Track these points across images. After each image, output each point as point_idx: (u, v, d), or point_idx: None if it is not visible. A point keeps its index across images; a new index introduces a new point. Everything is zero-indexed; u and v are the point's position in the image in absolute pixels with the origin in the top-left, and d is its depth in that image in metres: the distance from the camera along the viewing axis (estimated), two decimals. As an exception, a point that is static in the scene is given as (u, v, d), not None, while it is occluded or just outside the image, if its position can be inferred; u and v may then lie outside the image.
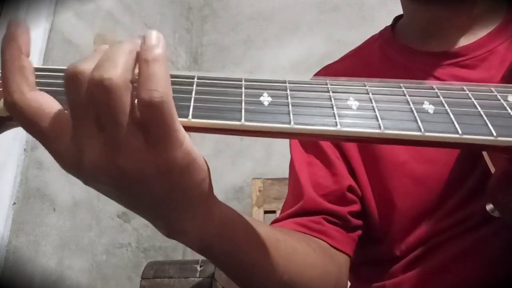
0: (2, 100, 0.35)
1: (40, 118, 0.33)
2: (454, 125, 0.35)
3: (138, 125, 0.33)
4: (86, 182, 0.36)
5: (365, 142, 0.43)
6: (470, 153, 0.61)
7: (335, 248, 0.63)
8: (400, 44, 0.75)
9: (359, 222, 0.67)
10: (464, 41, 0.69)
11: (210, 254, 0.45)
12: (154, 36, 0.34)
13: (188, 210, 0.39)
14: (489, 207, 0.51)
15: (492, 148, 0.37)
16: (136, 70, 0.33)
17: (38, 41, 1.50)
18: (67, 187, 1.49)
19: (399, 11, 0.79)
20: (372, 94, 0.37)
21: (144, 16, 2.03)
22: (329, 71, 0.78)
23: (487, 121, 0.36)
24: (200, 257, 1.73)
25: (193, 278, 1.49)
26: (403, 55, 0.72)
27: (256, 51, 2.24)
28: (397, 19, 0.80)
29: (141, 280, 1.53)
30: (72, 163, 0.34)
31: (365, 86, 0.38)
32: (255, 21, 2.31)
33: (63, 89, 0.34)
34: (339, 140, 0.33)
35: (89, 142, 0.33)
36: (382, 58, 0.74)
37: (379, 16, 2.00)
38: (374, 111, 0.35)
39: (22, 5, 1.55)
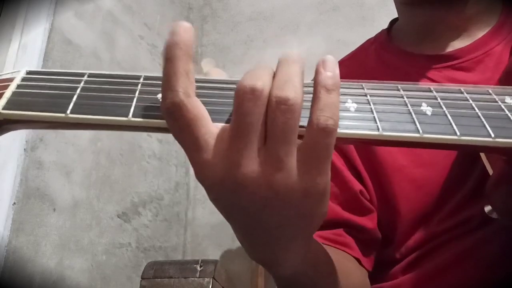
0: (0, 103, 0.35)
1: (199, 124, 0.33)
2: (452, 127, 0.35)
3: (300, 148, 0.34)
4: (218, 196, 0.35)
5: (363, 144, 0.43)
6: (468, 156, 0.61)
7: (358, 260, 0.64)
8: (395, 47, 0.75)
9: (378, 235, 0.67)
10: (459, 43, 0.69)
11: (295, 281, 0.46)
12: (331, 65, 0.35)
13: (301, 239, 0.39)
14: (488, 209, 0.51)
15: (490, 150, 0.37)
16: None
17: (38, 41, 1.50)
18: (67, 187, 1.49)
19: (399, 12, 0.79)
20: (370, 96, 0.37)
21: (144, 16, 2.03)
22: None
23: (485, 122, 0.36)
24: (200, 257, 1.74)
25: (193, 278, 1.49)
26: (398, 58, 0.72)
27: (256, 51, 2.24)
28: (393, 22, 0.80)
29: (141, 280, 1.53)
30: (215, 176, 0.34)
31: (362, 88, 0.38)
32: (255, 21, 2.31)
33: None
34: (337, 142, 0.33)
35: (248, 156, 0.33)
36: (378, 61, 0.75)
37: (379, 16, 2.00)
38: (372, 113, 0.35)
39: (22, 5, 1.55)
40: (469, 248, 0.60)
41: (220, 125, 0.34)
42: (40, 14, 1.55)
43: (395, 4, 0.76)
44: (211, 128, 0.33)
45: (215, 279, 1.52)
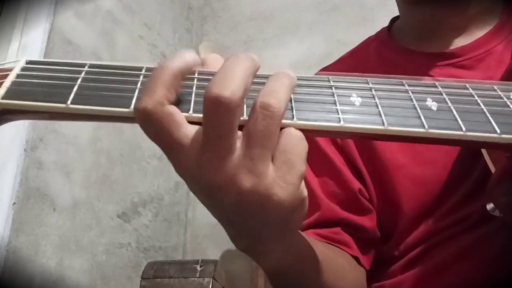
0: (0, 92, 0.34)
1: (171, 128, 0.33)
2: (458, 122, 0.35)
3: (274, 156, 0.34)
4: (194, 192, 0.36)
5: (369, 139, 0.43)
6: (468, 154, 0.61)
7: (356, 258, 0.64)
8: (396, 45, 0.75)
9: (377, 234, 0.68)
10: (461, 42, 0.70)
11: (280, 274, 0.47)
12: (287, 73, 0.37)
13: (284, 234, 0.40)
14: (490, 206, 0.51)
15: (495, 146, 0.37)
16: None
17: (38, 41, 1.50)
18: (67, 187, 1.49)
19: (399, 11, 0.79)
20: (375, 90, 0.37)
21: (144, 16, 2.03)
22: (326, 73, 0.78)
23: (490, 118, 0.36)
24: (200, 257, 1.74)
25: (193, 278, 1.49)
26: (400, 56, 0.72)
27: (256, 51, 2.23)
28: (394, 20, 0.80)
29: (141, 280, 1.53)
30: (190, 174, 0.34)
31: (367, 82, 0.38)
32: (255, 21, 2.31)
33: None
34: (342, 136, 0.33)
35: (217, 163, 0.33)
36: (379, 59, 0.74)
37: (379, 16, 2.00)
38: (377, 108, 0.35)
39: (22, 5, 1.55)
40: (469, 246, 0.60)
41: (197, 127, 0.34)
42: (40, 14, 1.55)
43: (397, 3, 0.76)
44: (186, 131, 0.34)
45: (215, 279, 1.51)
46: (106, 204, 1.63)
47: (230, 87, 0.32)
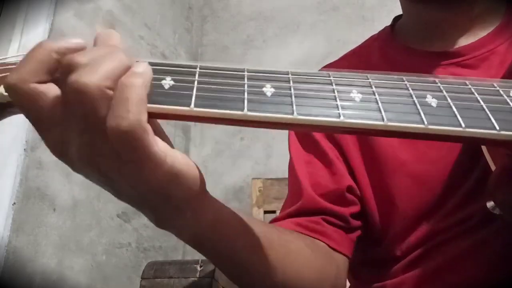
0: (1, 86, 0.35)
1: (38, 106, 0.33)
2: (457, 119, 0.35)
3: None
4: (74, 170, 0.36)
5: (368, 134, 0.43)
6: (470, 153, 0.61)
7: (333, 249, 0.63)
8: (399, 44, 0.75)
9: (358, 223, 0.67)
10: (464, 41, 0.70)
11: (202, 249, 0.45)
12: (142, 66, 0.33)
13: (175, 210, 0.38)
14: (490, 204, 0.51)
15: (494, 142, 0.37)
16: None
17: (38, 41, 1.50)
18: (67, 187, 1.49)
19: (399, 11, 0.79)
20: (375, 87, 0.37)
21: (144, 16, 2.03)
22: (329, 69, 0.78)
23: (489, 115, 0.36)
24: (200, 257, 1.73)
25: (193, 278, 1.49)
26: (402, 55, 0.73)
27: (256, 51, 2.24)
28: (397, 19, 0.80)
29: (141, 280, 1.52)
30: (59, 153, 0.35)
31: (368, 78, 0.38)
32: (255, 21, 2.31)
33: None
34: (342, 132, 0.33)
35: (74, 137, 0.33)
36: (382, 58, 0.75)
37: (379, 16, 2.00)
38: (377, 103, 0.35)
39: (22, 5, 1.55)
40: (470, 247, 0.60)
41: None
42: (40, 14, 1.55)
43: (400, 1, 0.76)
44: (53, 110, 0.33)
45: (215, 279, 1.51)
46: (106, 204, 1.63)
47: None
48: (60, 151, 0.35)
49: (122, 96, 0.31)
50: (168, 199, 0.36)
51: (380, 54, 0.75)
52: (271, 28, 2.27)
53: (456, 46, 0.70)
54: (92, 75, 0.31)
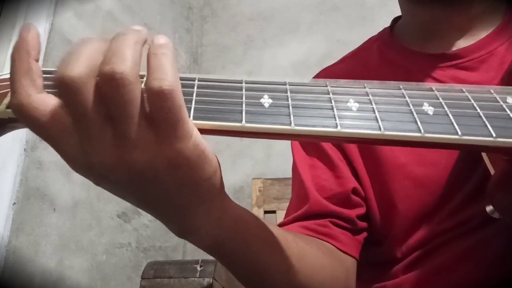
0: (4, 102, 0.35)
1: (46, 120, 0.33)
2: (454, 126, 0.35)
3: (148, 119, 0.33)
4: (97, 182, 0.36)
5: (365, 143, 0.43)
6: (470, 156, 0.61)
7: (342, 251, 0.64)
8: (399, 45, 0.75)
9: (364, 224, 0.67)
10: (463, 43, 0.70)
11: (223, 253, 0.45)
12: (162, 38, 0.35)
13: (200, 204, 0.38)
14: (489, 208, 0.51)
15: (492, 149, 0.37)
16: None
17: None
18: (67, 187, 1.49)
19: (399, 11, 0.79)
20: (372, 95, 0.37)
21: (144, 16, 2.03)
22: (328, 73, 0.78)
23: (486, 122, 0.36)
24: (200, 257, 1.73)
25: (193, 278, 1.49)
26: (402, 56, 0.73)
27: (256, 51, 2.24)
28: (396, 20, 0.80)
29: (141, 280, 1.52)
30: (81, 164, 0.34)
31: (364, 87, 0.38)
32: (255, 21, 2.31)
33: None
34: (339, 141, 0.33)
35: (96, 142, 0.33)
36: (381, 59, 0.74)
37: (379, 16, 2.00)
38: (374, 113, 0.35)
39: (22, 5, 1.55)
40: (470, 247, 0.60)
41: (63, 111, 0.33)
42: (40, 14, 1.55)
43: (399, 2, 0.76)
44: (63, 121, 0.33)
45: (215, 279, 1.51)
46: (106, 204, 1.63)
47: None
48: (80, 161, 0.34)
49: (158, 63, 0.33)
50: (195, 187, 0.36)
51: (380, 55, 0.75)
52: (271, 28, 2.27)
53: (455, 48, 0.70)
54: (124, 63, 0.32)
